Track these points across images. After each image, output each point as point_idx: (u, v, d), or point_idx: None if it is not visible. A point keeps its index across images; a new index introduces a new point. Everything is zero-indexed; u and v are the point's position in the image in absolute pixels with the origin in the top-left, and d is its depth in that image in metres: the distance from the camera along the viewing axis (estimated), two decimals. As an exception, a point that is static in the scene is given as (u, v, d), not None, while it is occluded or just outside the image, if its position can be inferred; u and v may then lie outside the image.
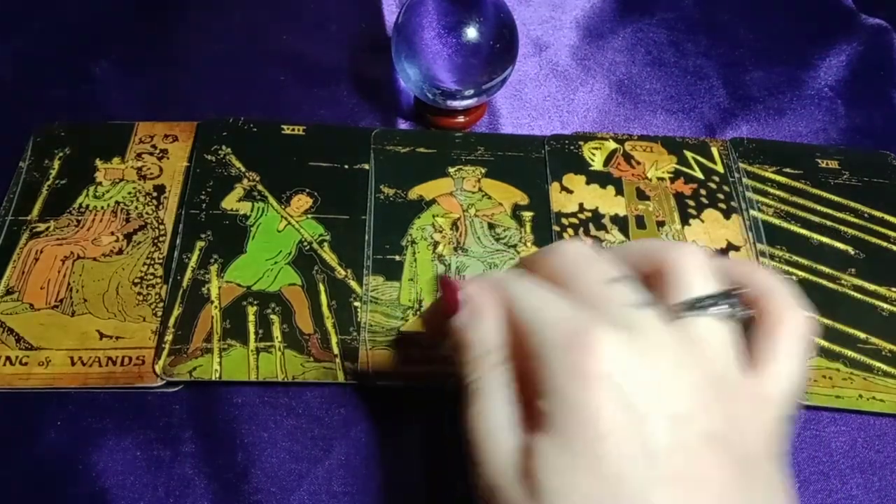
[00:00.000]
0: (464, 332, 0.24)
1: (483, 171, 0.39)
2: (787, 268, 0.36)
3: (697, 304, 0.22)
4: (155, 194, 0.37)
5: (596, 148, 0.40)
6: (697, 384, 0.20)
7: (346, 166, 0.39)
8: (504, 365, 0.23)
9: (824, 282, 0.36)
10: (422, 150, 0.39)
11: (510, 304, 0.23)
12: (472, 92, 0.37)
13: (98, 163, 0.38)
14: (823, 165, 0.40)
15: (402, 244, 0.36)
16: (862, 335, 0.34)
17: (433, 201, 0.38)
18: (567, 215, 0.37)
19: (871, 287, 0.36)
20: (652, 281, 0.23)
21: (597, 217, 0.37)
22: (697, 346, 0.21)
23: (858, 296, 0.36)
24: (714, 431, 0.20)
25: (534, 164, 0.39)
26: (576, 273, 0.23)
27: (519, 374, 0.22)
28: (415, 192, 0.38)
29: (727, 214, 0.38)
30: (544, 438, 0.20)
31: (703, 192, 0.39)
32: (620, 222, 0.37)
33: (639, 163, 0.40)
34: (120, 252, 0.35)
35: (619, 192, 0.38)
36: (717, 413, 0.20)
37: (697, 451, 0.20)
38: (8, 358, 0.32)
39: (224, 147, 0.39)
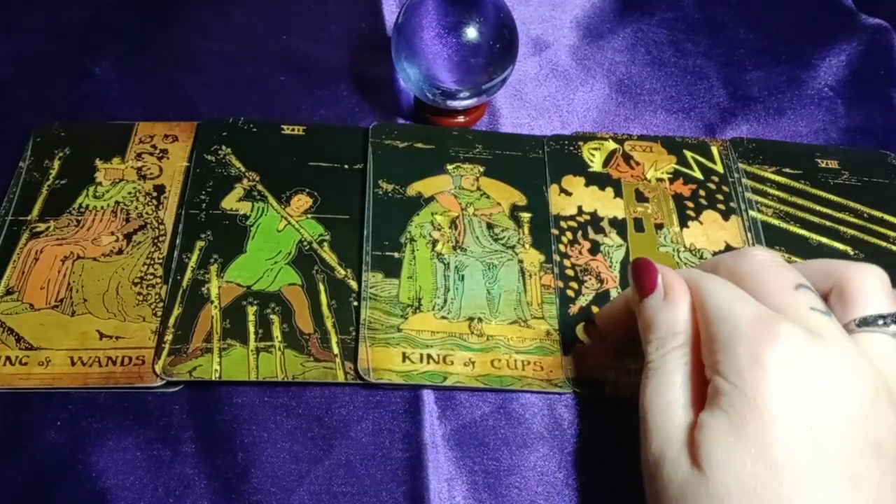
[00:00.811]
0: (657, 312, 0.26)
1: (481, 169, 0.39)
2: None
3: (876, 321, 0.24)
4: (155, 194, 0.37)
5: (595, 148, 0.40)
6: (871, 394, 0.22)
7: (346, 166, 0.39)
8: (685, 348, 0.25)
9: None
10: (420, 145, 0.39)
11: (700, 296, 0.25)
12: (472, 92, 0.38)
13: (98, 163, 0.38)
14: (823, 165, 0.40)
15: (400, 241, 0.36)
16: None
17: (431, 198, 0.38)
18: (566, 218, 0.37)
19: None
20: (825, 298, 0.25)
21: (595, 220, 0.37)
22: (871, 359, 0.23)
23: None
24: (882, 440, 0.21)
25: (532, 163, 0.39)
26: (764, 276, 0.25)
27: (694, 359, 0.24)
28: (413, 189, 0.38)
29: (726, 216, 0.38)
30: (715, 413, 0.22)
31: (702, 192, 0.39)
32: (619, 225, 0.37)
33: (638, 163, 0.40)
34: (120, 252, 0.35)
35: (618, 194, 0.38)
36: (886, 423, 0.21)
37: (865, 456, 0.21)
38: (8, 358, 0.32)
39: (224, 147, 0.39)
